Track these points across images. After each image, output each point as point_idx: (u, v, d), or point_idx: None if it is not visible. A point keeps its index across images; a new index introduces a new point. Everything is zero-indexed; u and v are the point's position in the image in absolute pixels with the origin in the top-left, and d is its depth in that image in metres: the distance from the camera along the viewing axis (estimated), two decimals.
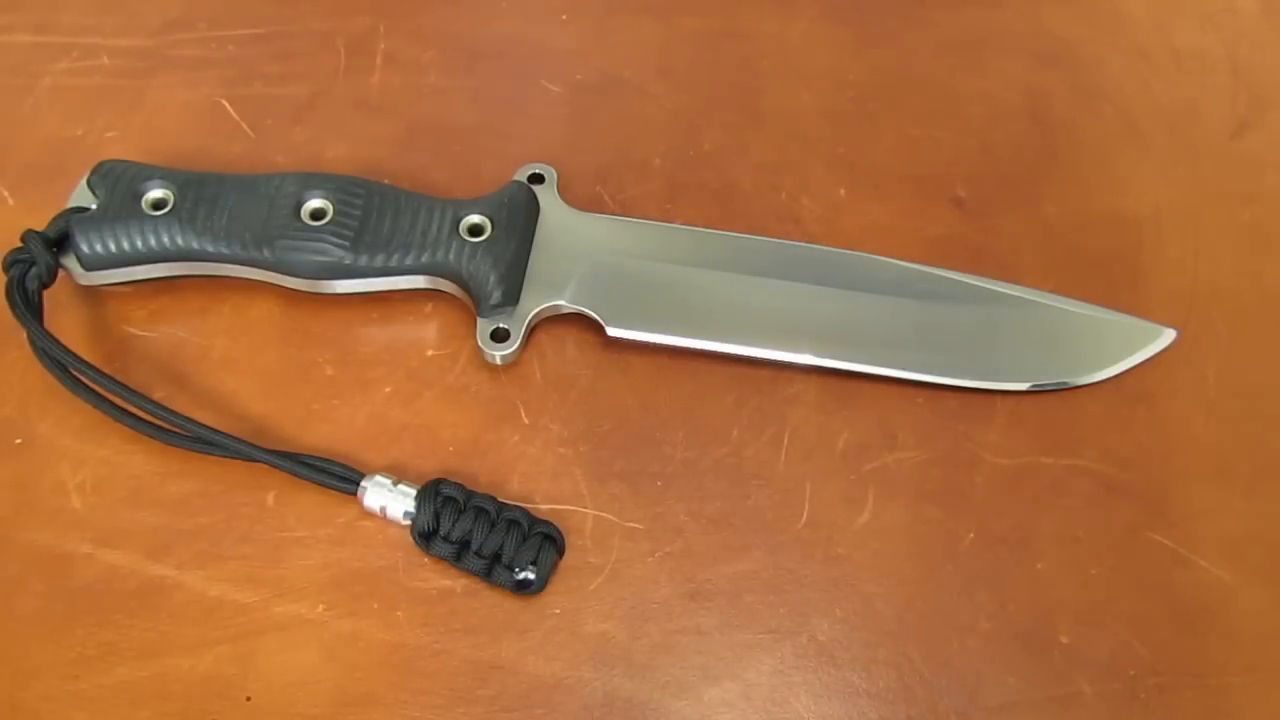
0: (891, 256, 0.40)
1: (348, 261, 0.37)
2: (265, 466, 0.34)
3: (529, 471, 0.36)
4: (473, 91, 0.45)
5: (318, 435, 0.36)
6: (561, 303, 0.38)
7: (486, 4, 0.48)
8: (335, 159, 0.43)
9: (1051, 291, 0.40)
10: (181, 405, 0.35)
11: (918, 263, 0.39)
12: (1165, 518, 0.36)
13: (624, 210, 0.42)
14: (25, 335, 0.35)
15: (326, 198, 0.38)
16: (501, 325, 0.37)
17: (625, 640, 0.33)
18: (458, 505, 0.34)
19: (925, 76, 0.47)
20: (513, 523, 0.33)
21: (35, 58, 0.45)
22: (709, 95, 0.46)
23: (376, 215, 0.38)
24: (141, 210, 0.37)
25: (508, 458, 0.36)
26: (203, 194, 0.38)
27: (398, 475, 0.34)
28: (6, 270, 0.36)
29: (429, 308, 0.39)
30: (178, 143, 0.43)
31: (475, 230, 0.38)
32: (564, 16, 0.48)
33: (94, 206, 0.37)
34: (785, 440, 0.37)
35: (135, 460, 0.36)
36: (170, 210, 0.37)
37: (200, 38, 0.46)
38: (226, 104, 0.44)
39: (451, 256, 0.37)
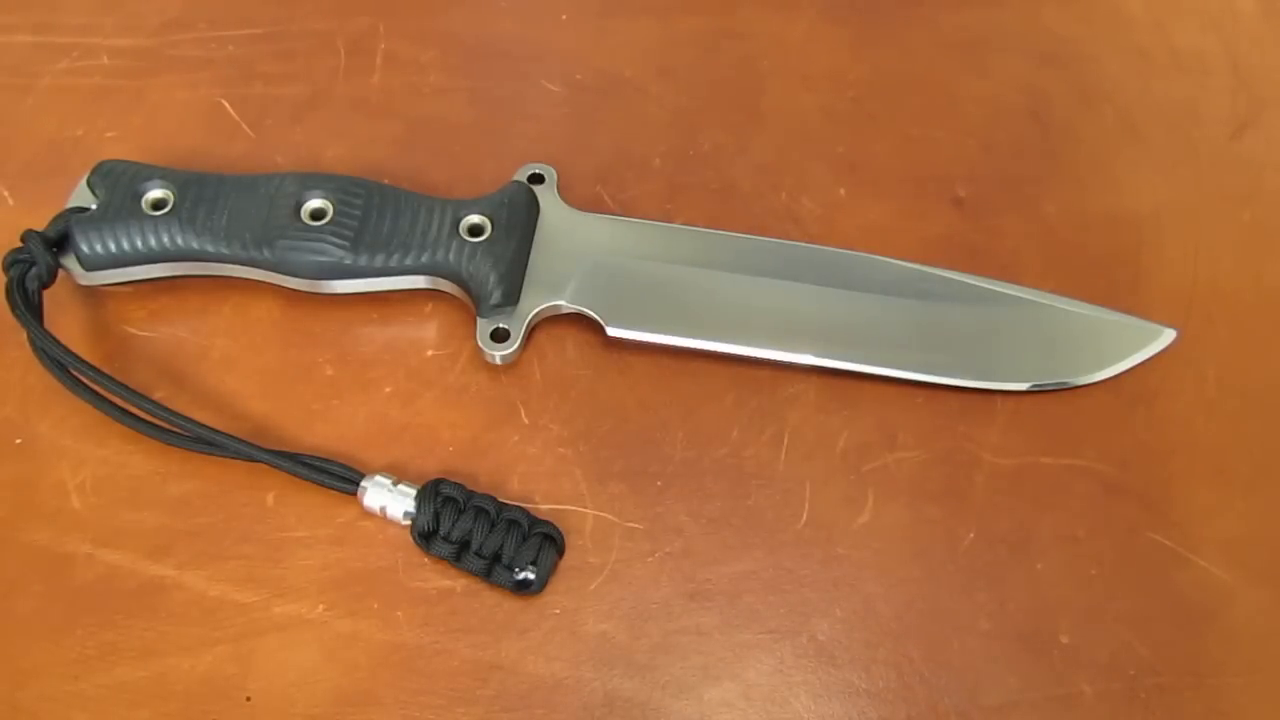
0: (891, 256, 0.39)
1: (348, 261, 0.37)
2: (265, 466, 0.34)
3: (529, 471, 0.36)
4: (473, 91, 0.45)
5: (318, 435, 0.36)
6: (561, 303, 0.38)
7: (486, 4, 0.48)
8: (335, 159, 0.43)
9: (1051, 291, 0.40)
10: (181, 405, 0.35)
11: (918, 263, 0.39)
12: (1165, 518, 0.36)
13: (624, 210, 0.42)
14: (25, 335, 0.35)
15: (326, 198, 0.38)
16: (501, 325, 0.37)
17: (625, 640, 0.33)
18: (458, 505, 0.34)
19: (925, 76, 0.47)
20: (513, 523, 0.33)
21: (35, 58, 0.45)
22: (709, 95, 0.46)
23: (376, 215, 0.38)
24: (141, 210, 0.37)
25: (508, 458, 0.36)
26: (203, 194, 0.38)
27: (398, 475, 0.35)
28: (6, 270, 0.36)
29: (429, 308, 0.39)
30: (178, 143, 0.43)
31: (475, 230, 0.38)
32: (564, 16, 0.48)
33: (94, 206, 0.37)
34: (785, 440, 0.37)
35: (135, 460, 0.36)
36: (170, 210, 0.37)
37: (200, 38, 0.46)
38: (226, 104, 0.44)
39: (451, 256, 0.37)
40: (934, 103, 0.46)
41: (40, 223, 0.37)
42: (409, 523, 0.34)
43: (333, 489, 0.34)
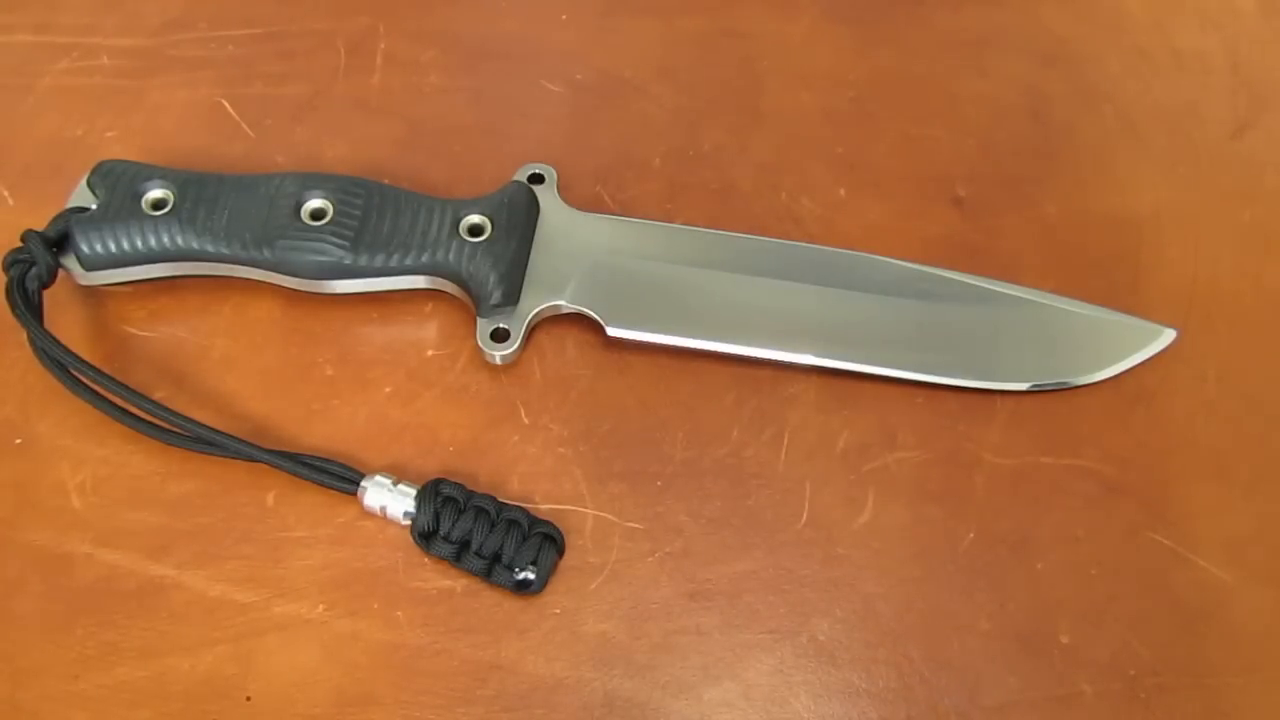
0: (891, 256, 0.39)
1: (348, 261, 0.37)
2: (265, 466, 0.34)
3: (529, 471, 0.36)
4: (473, 91, 0.45)
5: (318, 435, 0.36)
6: (561, 303, 0.38)
7: (486, 4, 0.48)
8: (335, 159, 0.43)
9: (1051, 291, 0.40)
10: (181, 405, 0.35)
11: (918, 263, 0.39)
12: (1165, 518, 0.36)
13: (624, 210, 0.42)
14: (25, 335, 0.35)
15: (326, 198, 0.38)
16: (501, 325, 0.37)
17: (625, 640, 0.33)
18: (458, 505, 0.34)
19: (925, 76, 0.47)
20: (513, 523, 0.33)
21: (35, 58, 0.45)
22: (709, 95, 0.46)
23: (376, 215, 0.38)
24: (141, 210, 0.37)
25: (508, 458, 0.36)
26: (203, 194, 0.38)
27: (398, 475, 0.34)
28: (6, 270, 0.36)
29: (429, 308, 0.39)
30: (178, 143, 0.43)
31: (475, 230, 0.38)
32: (564, 16, 0.48)
33: (94, 206, 0.37)
34: (785, 440, 0.37)
35: (135, 460, 0.36)
36: (170, 210, 0.37)
37: (200, 38, 0.46)
38: (226, 104, 0.44)
39: (451, 256, 0.37)
40: (934, 103, 0.46)
41: (40, 223, 0.37)
42: (409, 523, 0.34)
43: (333, 489, 0.34)
